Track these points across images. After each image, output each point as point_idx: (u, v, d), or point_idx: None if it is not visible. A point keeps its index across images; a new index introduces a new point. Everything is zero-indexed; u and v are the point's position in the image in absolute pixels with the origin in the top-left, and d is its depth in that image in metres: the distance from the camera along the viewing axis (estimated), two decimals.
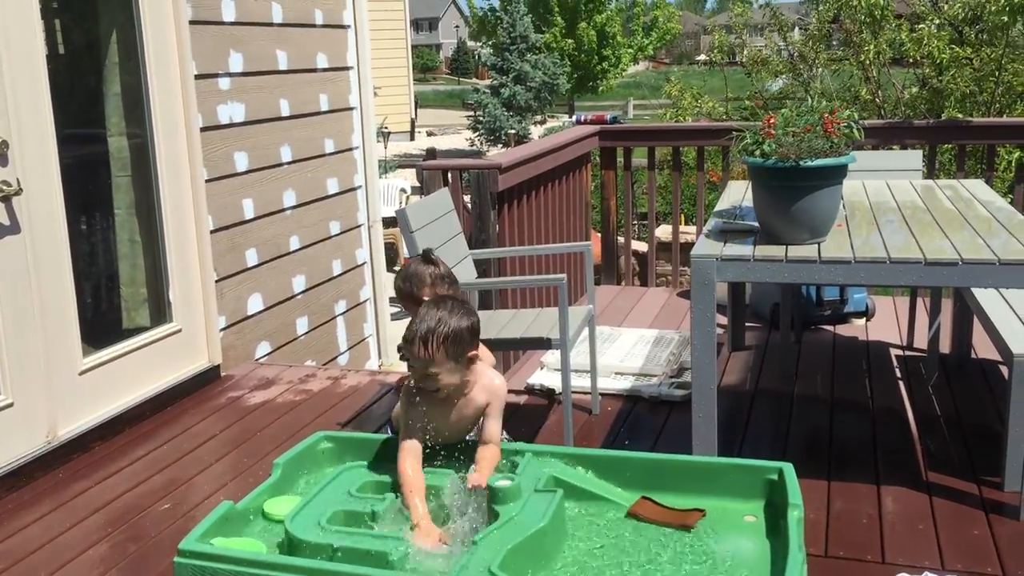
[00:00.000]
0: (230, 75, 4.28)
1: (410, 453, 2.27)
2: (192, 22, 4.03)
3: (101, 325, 3.94)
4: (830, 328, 4.89)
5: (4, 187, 3.21)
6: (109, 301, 4.06)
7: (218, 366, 4.28)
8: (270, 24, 4.55)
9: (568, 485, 2.23)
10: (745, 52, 9.69)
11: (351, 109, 5.26)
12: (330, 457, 2.45)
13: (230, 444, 3.63)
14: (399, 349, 2.50)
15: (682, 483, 2.25)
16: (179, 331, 4.11)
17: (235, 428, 3.77)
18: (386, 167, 14.77)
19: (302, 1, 4.79)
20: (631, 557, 2.00)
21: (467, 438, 2.46)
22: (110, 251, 4.03)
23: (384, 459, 2.39)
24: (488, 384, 2.39)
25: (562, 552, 2.03)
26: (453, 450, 2.38)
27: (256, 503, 2.21)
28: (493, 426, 2.36)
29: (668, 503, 2.21)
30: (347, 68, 5.20)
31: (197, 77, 4.07)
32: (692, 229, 7.69)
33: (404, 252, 3.43)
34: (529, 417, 3.84)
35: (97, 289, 4.02)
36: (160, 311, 4.10)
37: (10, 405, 3.29)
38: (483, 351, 2.50)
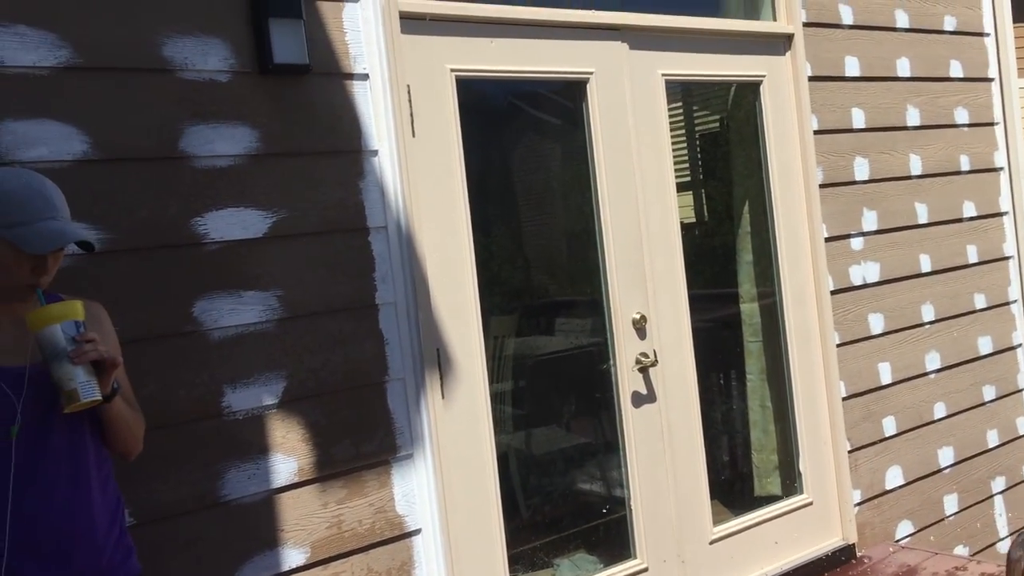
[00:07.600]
0: (863, 234, 4.09)
1: None
2: (822, 185, 3.96)
3: (731, 493, 3.93)
4: None
5: (643, 359, 3.42)
6: (739, 468, 4.05)
7: (852, 545, 3.95)
8: (908, 178, 4.28)
9: None
10: None
11: (1007, 258, 4.66)
12: None
13: None
14: None
15: None
16: (810, 503, 3.89)
17: None
18: None
19: (947, 149, 4.43)
20: None
21: None
22: (742, 417, 4.03)
23: None
24: None
25: None
26: None
27: None
28: None
29: None
30: (1001, 214, 4.65)
31: (827, 240, 3.96)
32: None
33: None
34: None
35: (727, 456, 4.04)
36: (790, 481, 3.95)
37: (644, 570, 3.40)
38: None
